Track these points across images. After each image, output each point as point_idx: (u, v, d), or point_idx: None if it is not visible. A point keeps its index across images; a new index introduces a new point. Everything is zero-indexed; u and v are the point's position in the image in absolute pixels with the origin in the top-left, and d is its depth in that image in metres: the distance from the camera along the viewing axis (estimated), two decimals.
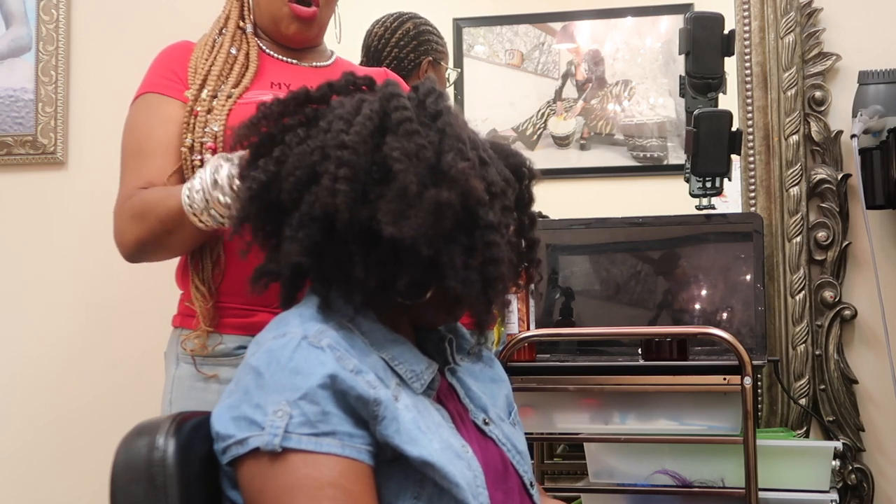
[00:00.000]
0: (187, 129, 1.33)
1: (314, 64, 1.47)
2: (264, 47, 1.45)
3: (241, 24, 1.44)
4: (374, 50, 2.07)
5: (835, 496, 1.56)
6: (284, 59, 1.45)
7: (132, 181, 1.33)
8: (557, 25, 2.71)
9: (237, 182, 1.12)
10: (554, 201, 2.00)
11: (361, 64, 2.04)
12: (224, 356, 1.34)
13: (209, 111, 1.33)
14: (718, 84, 1.87)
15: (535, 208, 1.09)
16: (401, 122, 0.93)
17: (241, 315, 1.33)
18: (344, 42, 1.60)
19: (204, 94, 1.34)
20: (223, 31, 1.43)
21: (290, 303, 1.01)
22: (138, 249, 1.30)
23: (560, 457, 2.05)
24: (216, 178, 1.16)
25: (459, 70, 2.32)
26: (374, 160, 0.93)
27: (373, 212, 0.91)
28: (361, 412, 0.89)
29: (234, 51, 1.40)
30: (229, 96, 1.34)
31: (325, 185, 0.92)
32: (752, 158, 2.01)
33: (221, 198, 1.16)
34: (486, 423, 1.05)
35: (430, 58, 2.10)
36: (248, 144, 1.02)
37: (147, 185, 1.31)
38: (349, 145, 0.92)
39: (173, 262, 1.42)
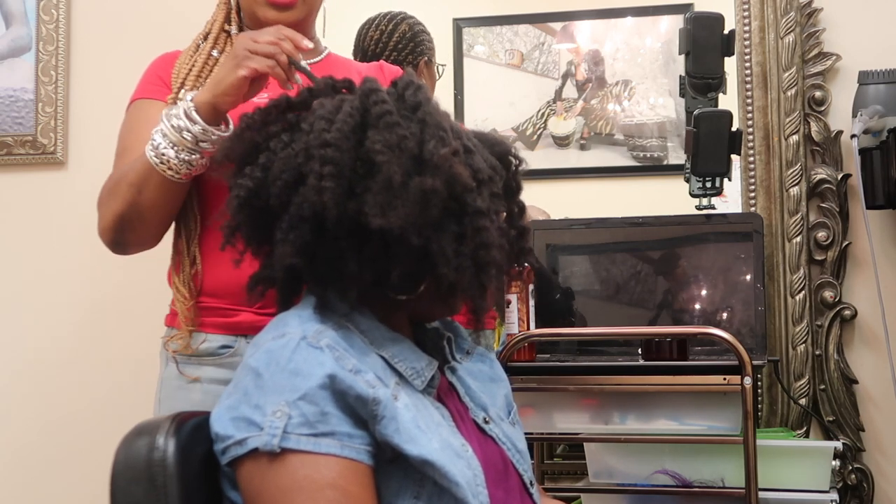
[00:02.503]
0: None
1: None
2: None
3: (227, 27, 1.47)
4: (371, 54, 2.07)
5: (835, 496, 1.56)
6: None
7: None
8: (557, 25, 2.71)
9: (195, 113, 1.21)
10: (554, 201, 2.01)
11: None
12: (208, 356, 1.35)
13: None
14: (718, 84, 1.87)
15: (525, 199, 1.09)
16: (381, 116, 0.94)
17: (224, 315, 1.34)
18: (340, 39, 1.59)
19: (181, 94, 1.37)
20: (208, 35, 1.46)
21: (287, 307, 1.01)
22: (118, 227, 1.31)
23: (560, 457, 2.05)
24: (170, 113, 1.23)
25: (445, 64, 2.32)
26: (358, 155, 0.93)
27: (360, 206, 0.92)
28: (360, 412, 0.89)
29: (215, 53, 1.44)
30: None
31: (311, 185, 0.92)
32: (752, 158, 2.01)
33: (177, 122, 1.22)
34: (486, 422, 1.05)
35: (426, 58, 2.11)
36: (234, 155, 1.02)
37: None
38: (332, 143, 0.93)
39: (167, 263, 1.42)
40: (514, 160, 1.07)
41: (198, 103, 1.23)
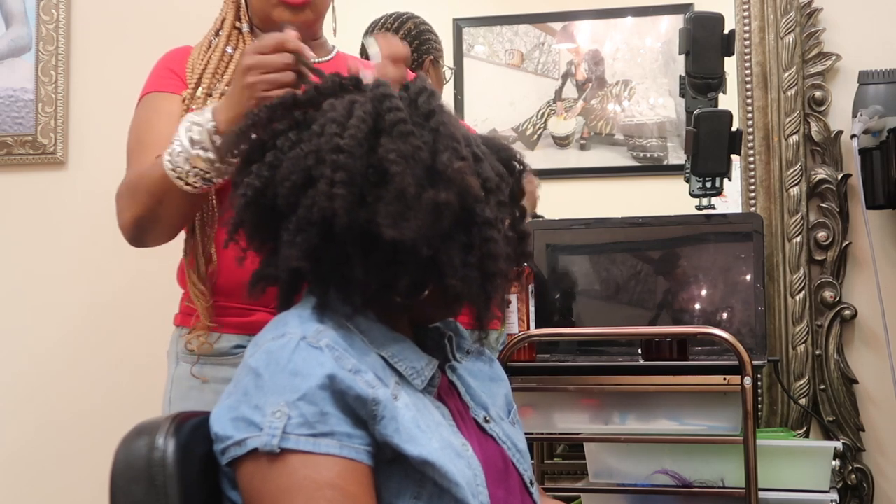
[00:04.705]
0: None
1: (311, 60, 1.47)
2: None
3: (238, 24, 1.46)
4: None
5: (835, 496, 1.56)
6: None
7: (132, 169, 1.35)
8: (557, 25, 2.71)
9: (217, 137, 1.17)
10: (554, 201, 2.01)
11: None
12: (223, 356, 1.34)
13: None
14: (718, 84, 1.87)
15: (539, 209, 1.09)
16: (395, 124, 0.93)
17: (240, 314, 1.33)
18: (343, 38, 1.59)
19: (199, 92, 1.36)
20: (219, 32, 1.44)
21: (288, 306, 1.01)
22: (137, 228, 1.31)
23: (560, 457, 2.05)
24: (191, 136, 1.19)
25: (455, 68, 2.32)
26: (370, 162, 0.93)
27: (371, 215, 0.92)
28: (360, 412, 0.89)
29: (230, 50, 1.42)
30: (223, 94, 1.36)
31: (322, 190, 0.91)
32: (752, 158, 2.01)
33: (202, 153, 1.19)
34: (487, 421, 1.05)
35: (431, 57, 2.11)
36: (239, 151, 1.01)
37: None
38: (345, 149, 0.92)
39: (174, 261, 1.42)
40: (518, 165, 1.07)
41: (219, 122, 1.19)
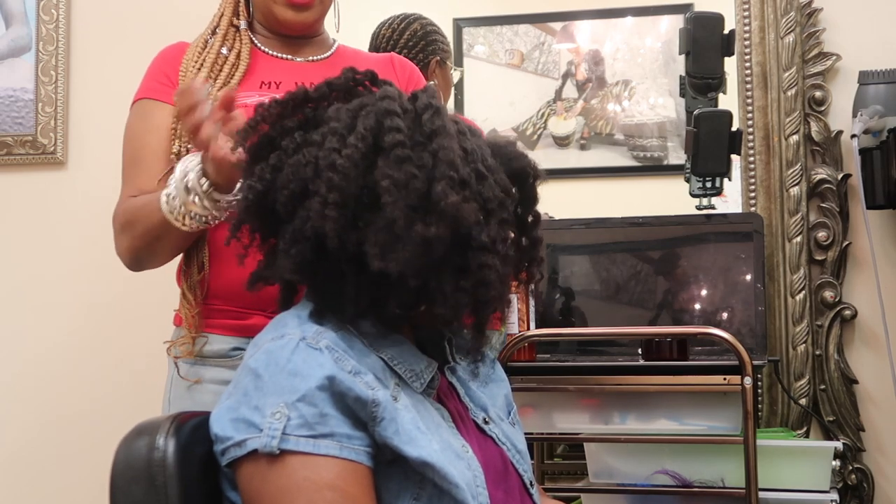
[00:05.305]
0: (174, 135, 1.33)
1: (310, 58, 1.46)
2: (258, 44, 1.44)
3: (235, 21, 1.43)
4: (383, 52, 2.07)
5: (835, 496, 1.56)
6: (279, 55, 1.44)
7: (127, 190, 1.35)
8: (557, 25, 2.71)
9: (212, 193, 1.16)
10: (554, 201, 2.00)
11: None
12: (220, 357, 1.34)
13: None
14: (718, 84, 1.87)
15: (540, 209, 1.08)
16: (394, 146, 0.91)
17: (236, 317, 1.33)
18: (345, 35, 1.59)
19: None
20: (216, 30, 1.42)
21: (288, 306, 1.01)
22: (133, 259, 1.32)
23: (560, 457, 2.05)
24: (186, 184, 1.17)
25: (462, 69, 2.32)
26: (366, 183, 0.92)
27: (362, 238, 0.91)
28: (360, 413, 0.89)
29: (225, 50, 1.39)
30: (214, 100, 1.34)
31: (315, 208, 0.91)
32: (752, 158, 2.01)
33: (197, 201, 1.17)
34: (486, 422, 1.05)
35: (438, 58, 2.11)
36: (248, 147, 1.01)
37: (138, 193, 1.32)
38: (340, 169, 0.91)
39: (174, 261, 1.42)
40: (532, 173, 1.04)
41: (213, 182, 1.17)
